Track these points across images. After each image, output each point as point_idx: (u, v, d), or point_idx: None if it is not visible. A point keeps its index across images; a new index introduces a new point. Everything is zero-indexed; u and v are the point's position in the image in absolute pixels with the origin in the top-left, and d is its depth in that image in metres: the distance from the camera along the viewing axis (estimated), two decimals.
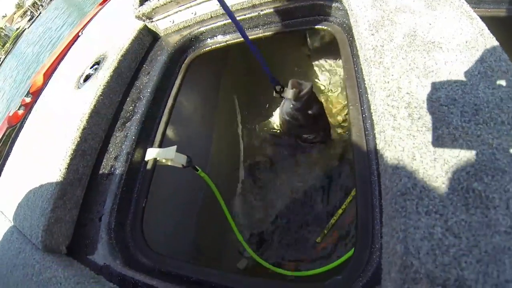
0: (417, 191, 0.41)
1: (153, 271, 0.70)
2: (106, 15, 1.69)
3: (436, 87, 0.51)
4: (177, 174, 0.89)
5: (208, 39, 1.10)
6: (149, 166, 0.89)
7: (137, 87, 1.03)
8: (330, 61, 1.45)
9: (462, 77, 0.51)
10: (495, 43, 0.55)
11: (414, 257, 0.37)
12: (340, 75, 1.44)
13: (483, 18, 0.64)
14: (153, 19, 1.10)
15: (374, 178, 0.56)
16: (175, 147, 0.81)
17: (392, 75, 0.55)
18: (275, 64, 1.44)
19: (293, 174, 1.33)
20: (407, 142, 0.46)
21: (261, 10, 0.98)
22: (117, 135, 0.94)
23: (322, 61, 1.45)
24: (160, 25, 1.12)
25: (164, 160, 0.82)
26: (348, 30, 0.87)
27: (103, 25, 1.51)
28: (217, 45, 1.09)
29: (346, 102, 1.21)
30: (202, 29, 1.07)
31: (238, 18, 0.98)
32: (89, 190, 0.88)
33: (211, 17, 1.05)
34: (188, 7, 1.04)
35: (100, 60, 1.10)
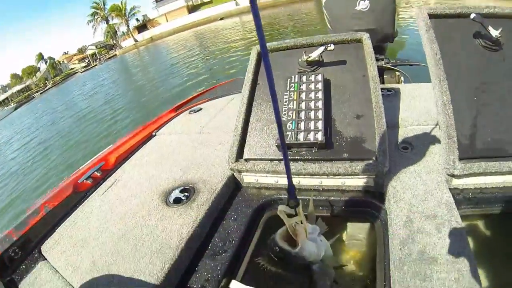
0: None
1: None
2: (185, 133, 2.01)
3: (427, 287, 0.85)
4: None
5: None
6: None
7: (224, 227, 1.31)
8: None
9: (443, 281, 0.84)
10: (471, 256, 0.89)
11: None
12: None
13: (481, 216, 1.12)
14: (242, 173, 1.38)
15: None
16: None
17: (406, 279, 0.88)
18: None
19: None
20: None
21: (329, 197, 1.33)
22: (207, 262, 1.17)
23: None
24: (245, 179, 1.40)
25: None
26: (384, 225, 1.20)
27: (183, 144, 1.83)
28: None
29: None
30: (281, 196, 1.34)
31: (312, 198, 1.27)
32: None
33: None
34: (272, 176, 1.32)
35: (189, 189, 1.35)
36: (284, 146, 0.78)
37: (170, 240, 1.16)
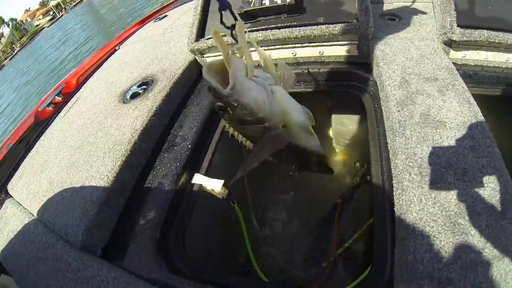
0: (422, 222, 0.62)
1: (194, 279, 0.76)
2: (147, 37, 1.79)
3: (439, 154, 0.72)
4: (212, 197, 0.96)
5: None
6: (194, 188, 0.99)
7: (185, 114, 1.18)
8: (347, 116, 1.58)
9: (457, 149, 0.72)
10: (484, 124, 0.76)
11: (420, 263, 0.57)
12: (350, 127, 1.60)
13: (481, 96, 0.92)
14: (205, 55, 1.20)
15: (387, 215, 0.75)
16: (222, 181, 0.90)
17: (411, 144, 0.76)
18: None
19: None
20: (417, 191, 0.67)
21: (305, 69, 1.10)
22: (165, 155, 1.05)
23: (340, 115, 1.57)
24: (209, 61, 1.22)
25: (208, 188, 0.91)
26: (373, 98, 1.07)
27: (146, 47, 1.60)
28: None
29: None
30: None
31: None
32: (132, 201, 0.96)
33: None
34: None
35: (148, 82, 1.20)
36: None
37: (123, 136, 1.02)
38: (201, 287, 0.72)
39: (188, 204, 0.96)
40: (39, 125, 1.53)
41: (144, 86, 1.23)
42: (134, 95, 1.21)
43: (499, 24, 0.99)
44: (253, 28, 1.17)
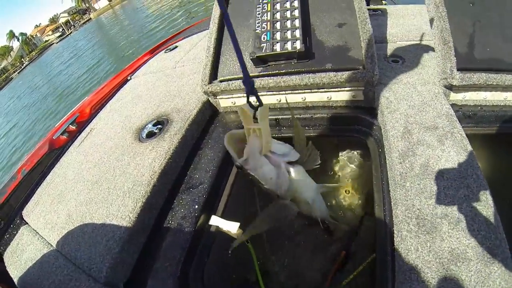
0: (418, 269, 0.69)
1: None
2: (160, 71, 1.87)
3: (435, 205, 0.79)
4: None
5: None
6: (212, 229, 1.05)
7: (200, 157, 1.25)
8: (352, 155, 1.62)
9: (452, 199, 0.79)
10: (479, 172, 0.83)
11: None
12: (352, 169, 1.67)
13: (480, 136, 1.04)
14: (217, 97, 1.27)
15: (388, 258, 0.82)
16: (238, 224, 0.96)
17: (410, 196, 0.83)
18: None
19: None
20: (414, 240, 0.74)
21: (314, 114, 1.16)
22: (183, 197, 1.12)
23: (345, 155, 1.61)
24: (222, 103, 1.31)
25: (224, 230, 0.97)
26: (378, 143, 1.14)
27: (158, 81, 1.68)
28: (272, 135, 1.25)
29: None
30: None
31: (295, 116, 1.16)
32: (151, 239, 1.03)
33: (270, 108, 1.21)
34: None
35: (163, 121, 1.26)
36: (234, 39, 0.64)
37: (142, 176, 1.10)
38: None
39: (206, 243, 1.03)
40: (54, 152, 1.59)
41: (159, 126, 1.30)
42: (150, 134, 1.28)
43: (497, 65, 1.05)
44: (264, 73, 1.26)
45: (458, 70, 1.05)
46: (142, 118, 1.41)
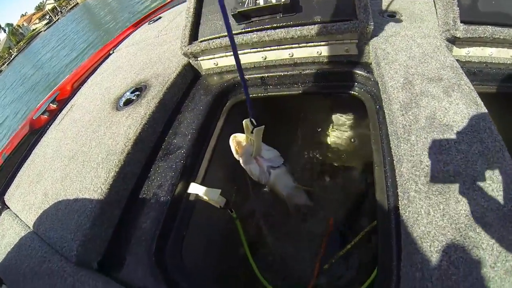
0: (431, 236, 0.58)
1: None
2: (141, 40, 1.78)
3: (447, 162, 0.67)
4: (210, 206, 0.95)
5: (250, 88, 1.23)
6: (191, 198, 0.96)
7: (180, 121, 1.13)
8: (346, 118, 1.54)
9: (466, 155, 0.67)
10: (493, 127, 0.72)
11: (428, 281, 0.53)
12: (349, 132, 1.58)
13: (486, 95, 0.89)
14: (198, 58, 1.18)
15: (392, 226, 0.71)
16: (219, 190, 0.88)
17: (416, 151, 0.71)
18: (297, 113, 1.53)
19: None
20: (425, 202, 0.62)
21: (302, 70, 1.07)
22: (159, 164, 1.01)
23: (339, 117, 1.53)
24: (204, 65, 1.22)
25: (205, 198, 0.89)
26: (375, 99, 1.03)
27: (139, 51, 1.59)
28: (258, 95, 1.20)
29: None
30: (245, 76, 1.14)
31: (280, 74, 1.08)
32: (126, 212, 0.93)
33: (254, 67, 1.13)
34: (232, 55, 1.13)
35: (141, 87, 1.17)
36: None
37: (116, 145, 0.98)
38: None
39: (185, 214, 0.93)
40: (35, 133, 1.52)
41: (137, 92, 1.19)
42: (128, 102, 1.17)
43: (503, 19, 0.94)
44: (247, 29, 1.13)
45: (461, 22, 0.94)
46: (121, 88, 1.30)
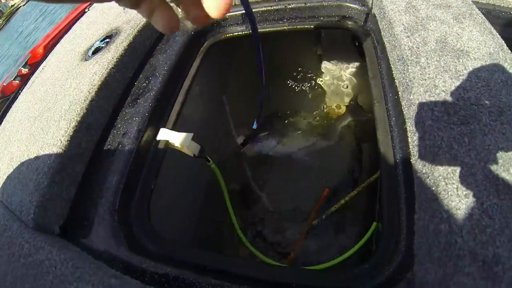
0: (457, 176, 0.45)
1: (161, 258, 0.63)
2: None
3: (466, 88, 0.55)
4: (185, 158, 0.83)
5: (230, 26, 1.10)
6: (160, 146, 0.83)
7: (151, 64, 1.00)
8: (339, 63, 1.45)
9: (488, 83, 0.56)
10: None
11: (458, 235, 0.41)
12: (343, 77, 1.47)
13: None
14: None
15: (399, 171, 0.59)
16: (191, 134, 0.76)
17: (429, 74, 0.59)
18: (284, 59, 1.43)
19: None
20: (445, 133, 0.50)
21: (288, 4, 0.97)
22: (126, 111, 0.88)
23: (330, 63, 1.44)
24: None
25: (176, 145, 0.77)
26: (371, 33, 0.91)
27: (115, 5, 1.45)
28: (238, 33, 1.08)
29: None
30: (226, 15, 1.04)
31: (263, 9, 0.99)
32: (91, 167, 0.80)
33: (234, 4, 1.02)
34: None
35: (112, 34, 1.05)
36: None
37: (80, 93, 0.85)
38: (171, 269, 0.59)
39: (153, 164, 0.82)
40: (6, 100, 1.44)
41: (107, 40, 1.05)
42: (96, 50, 1.03)
43: None
44: None
45: None
46: (92, 38, 1.15)
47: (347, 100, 1.43)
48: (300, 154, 1.29)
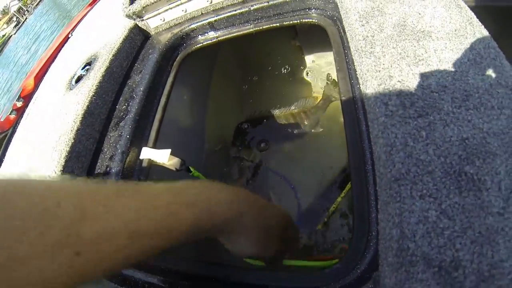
0: (411, 176, 0.42)
1: (152, 268, 0.65)
2: (96, 16, 1.68)
3: (426, 74, 0.51)
4: (170, 172, 0.88)
5: (199, 36, 1.11)
6: (144, 164, 0.87)
7: (129, 86, 1.02)
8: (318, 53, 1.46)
9: (452, 65, 0.51)
10: (484, 31, 0.55)
11: (410, 240, 0.38)
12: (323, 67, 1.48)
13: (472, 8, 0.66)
14: (144, 18, 1.10)
15: (368, 167, 0.57)
16: (169, 150, 0.78)
17: (383, 64, 0.55)
18: (265, 55, 1.45)
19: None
20: (399, 129, 0.46)
21: (251, 6, 0.98)
22: (111, 135, 0.92)
23: (312, 54, 1.45)
24: (151, 23, 1.12)
25: (158, 162, 0.80)
26: (338, 23, 0.88)
27: (93, 26, 1.49)
28: (209, 42, 1.09)
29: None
30: (193, 26, 1.07)
31: (228, 14, 1.00)
32: None
33: (202, 13, 1.05)
34: (178, 5, 1.04)
35: (91, 61, 1.09)
36: None
37: (67, 124, 0.89)
38: (163, 277, 0.61)
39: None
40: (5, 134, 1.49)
41: (87, 67, 1.08)
42: (79, 79, 1.07)
43: None
44: None
45: None
46: (75, 67, 1.19)
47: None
48: (290, 150, 1.33)
